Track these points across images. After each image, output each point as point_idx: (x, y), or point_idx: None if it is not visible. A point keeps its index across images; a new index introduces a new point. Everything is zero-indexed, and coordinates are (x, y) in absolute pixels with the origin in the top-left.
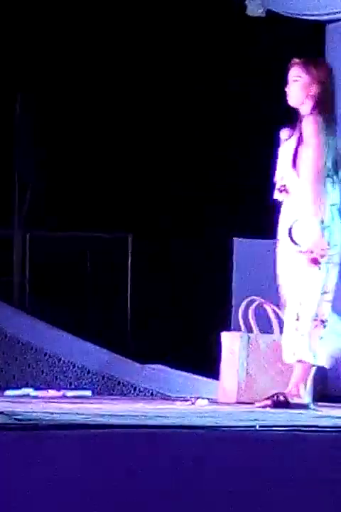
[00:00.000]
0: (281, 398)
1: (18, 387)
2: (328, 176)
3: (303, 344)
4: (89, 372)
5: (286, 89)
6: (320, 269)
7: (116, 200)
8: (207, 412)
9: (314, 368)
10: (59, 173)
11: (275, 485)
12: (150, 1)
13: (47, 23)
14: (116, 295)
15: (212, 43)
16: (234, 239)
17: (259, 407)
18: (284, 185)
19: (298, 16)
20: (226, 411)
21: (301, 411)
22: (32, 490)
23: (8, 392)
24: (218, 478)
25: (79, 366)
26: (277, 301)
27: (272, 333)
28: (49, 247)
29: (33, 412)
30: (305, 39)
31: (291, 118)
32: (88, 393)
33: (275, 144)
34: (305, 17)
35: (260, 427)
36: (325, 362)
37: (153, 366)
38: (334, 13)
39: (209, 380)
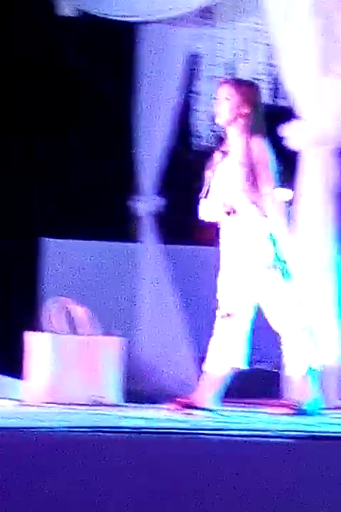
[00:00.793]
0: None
1: None
2: None
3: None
4: None
5: (216, 108)
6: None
7: None
8: (12, 413)
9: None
10: None
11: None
12: None
13: None
14: None
15: (20, 41)
16: (43, 238)
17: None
18: (232, 206)
19: (109, 17)
20: (32, 411)
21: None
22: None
23: None
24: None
25: None
26: (87, 301)
27: (79, 334)
28: None
29: None
30: (116, 41)
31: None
32: None
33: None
34: (117, 18)
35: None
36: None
37: None
38: (146, 15)
39: (15, 380)
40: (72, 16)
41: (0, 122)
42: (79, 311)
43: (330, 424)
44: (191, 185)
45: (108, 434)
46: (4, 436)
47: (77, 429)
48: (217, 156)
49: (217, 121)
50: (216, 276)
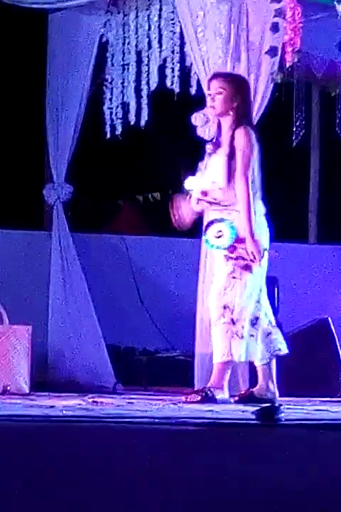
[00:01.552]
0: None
1: None
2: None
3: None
4: None
5: (209, 101)
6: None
7: None
8: None
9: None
10: None
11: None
12: None
13: None
14: None
15: None
16: None
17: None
18: (215, 198)
19: (19, 4)
20: None
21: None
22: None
23: None
24: None
25: None
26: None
27: None
28: None
29: None
30: (26, 28)
31: None
32: None
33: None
34: (27, 5)
35: None
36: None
37: None
38: (58, 2)
39: None
40: None
41: None
42: None
43: (234, 410)
44: (101, 174)
45: (16, 423)
46: None
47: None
48: (208, 147)
49: (210, 113)
50: (125, 264)
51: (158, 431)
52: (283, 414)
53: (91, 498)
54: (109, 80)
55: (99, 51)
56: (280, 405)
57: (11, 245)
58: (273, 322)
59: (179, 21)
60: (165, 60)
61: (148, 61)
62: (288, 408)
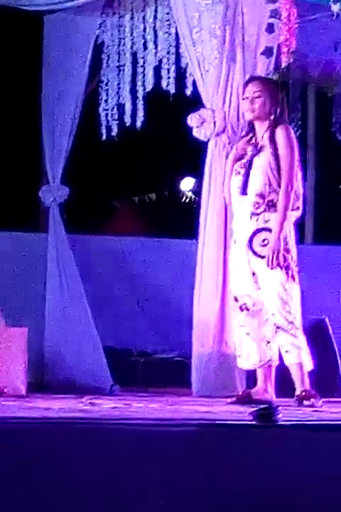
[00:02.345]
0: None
1: None
2: None
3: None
4: None
5: (247, 104)
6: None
7: None
8: None
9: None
10: None
11: None
12: None
13: None
14: None
15: None
16: None
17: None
18: (272, 200)
19: (16, 6)
20: None
21: None
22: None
23: None
24: None
25: None
26: None
27: None
28: None
29: None
30: (22, 30)
31: None
32: None
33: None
34: (23, 7)
35: None
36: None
37: None
38: (53, 4)
39: None
40: None
41: None
42: None
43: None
44: (97, 175)
45: (12, 424)
46: None
47: None
48: (248, 149)
49: (247, 117)
50: (121, 265)
51: (155, 432)
52: (280, 415)
53: (88, 500)
54: (105, 82)
55: (94, 53)
56: (278, 406)
57: (7, 247)
58: None
59: (174, 22)
60: (160, 62)
61: (144, 62)
62: (285, 409)
